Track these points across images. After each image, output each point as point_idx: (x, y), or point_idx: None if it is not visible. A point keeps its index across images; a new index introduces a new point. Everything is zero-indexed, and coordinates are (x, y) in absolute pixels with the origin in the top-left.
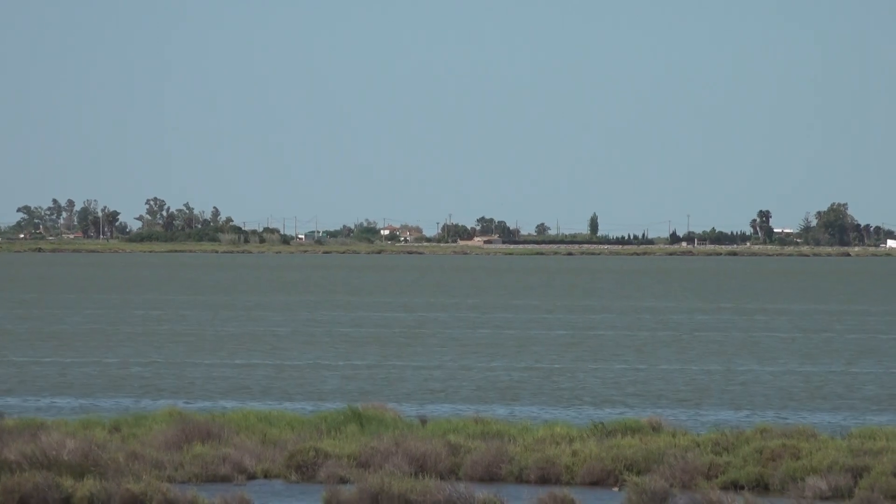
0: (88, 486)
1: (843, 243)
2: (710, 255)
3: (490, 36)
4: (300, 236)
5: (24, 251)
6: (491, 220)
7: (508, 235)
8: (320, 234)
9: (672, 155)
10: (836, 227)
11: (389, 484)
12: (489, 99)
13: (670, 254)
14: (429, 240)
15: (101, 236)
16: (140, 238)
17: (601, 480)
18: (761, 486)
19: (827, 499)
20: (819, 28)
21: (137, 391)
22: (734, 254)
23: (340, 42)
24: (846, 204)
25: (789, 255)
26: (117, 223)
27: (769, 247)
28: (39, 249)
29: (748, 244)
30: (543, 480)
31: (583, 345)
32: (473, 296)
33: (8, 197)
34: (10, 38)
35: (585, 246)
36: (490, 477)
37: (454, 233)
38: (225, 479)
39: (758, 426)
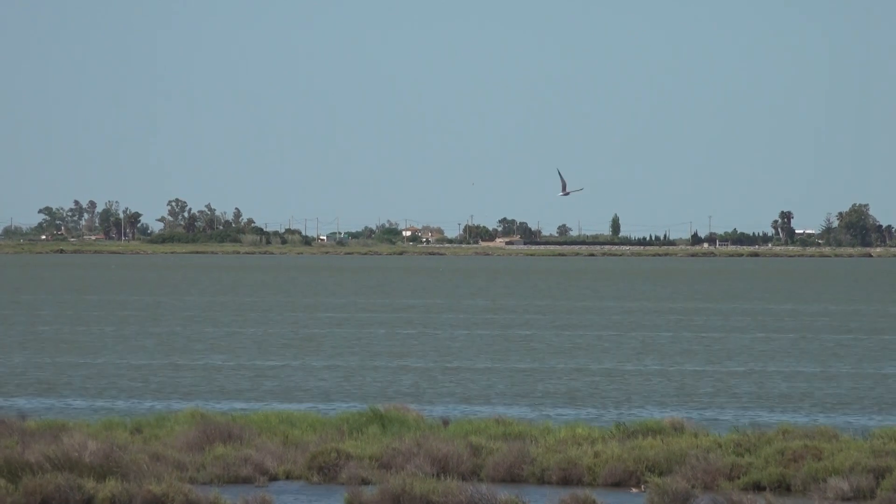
0: (110, 487)
1: (864, 244)
2: (731, 255)
3: (510, 37)
4: (322, 237)
5: (46, 252)
6: (512, 222)
7: (530, 236)
8: (342, 236)
9: (693, 156)
10: (857, 228)
11: (411, 485)
12: (510, 100)
13: (692, 255)
14: (450, 241)
15: (123, 238)
16: (162, 239)
17: (623, 481)
18: (783, 487)
19: (849, 500)
20: (840, 28)
21: (160, 393)
22: (756, 255)
23: (362, 44)
24: (868, 205)
25: (811, 256)
26: (139, 224)
27: (791, 248)
28: (61, 251)
29: (770, 245)
30: (565, 482)
31: (604, 346)
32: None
33: (29, 198)
34: (32, 41)
35: (607, 247)
36: (512, 478)
37: (475, 234)
38: (247, 481)
39: (780, 427)
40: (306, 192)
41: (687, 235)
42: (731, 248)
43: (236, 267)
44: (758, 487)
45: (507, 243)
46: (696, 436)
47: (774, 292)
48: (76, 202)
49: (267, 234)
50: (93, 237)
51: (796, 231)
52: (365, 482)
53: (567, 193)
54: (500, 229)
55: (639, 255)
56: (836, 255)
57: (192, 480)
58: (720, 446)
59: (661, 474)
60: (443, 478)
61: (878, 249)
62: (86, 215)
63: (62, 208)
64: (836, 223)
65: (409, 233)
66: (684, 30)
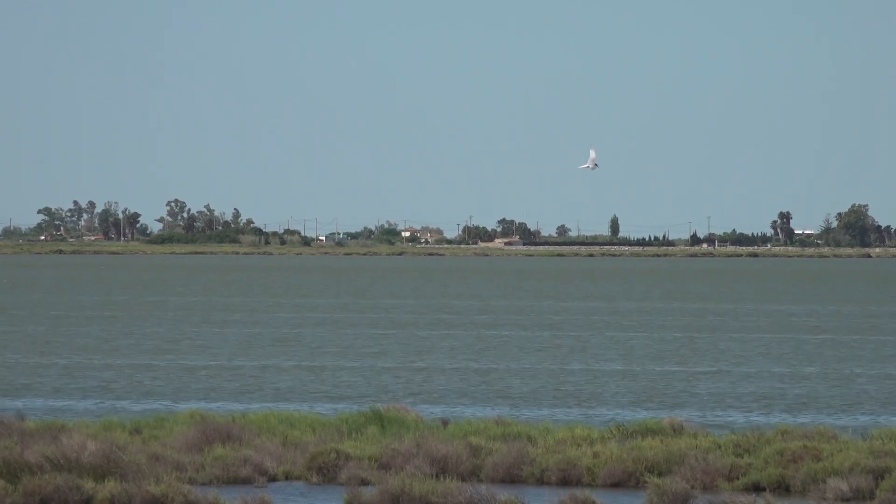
0: (109, 487)
1: (863, 244)
2: (730, 256)
3: (510, 36)
4: (321, 238)
5: (45, 253)
6: (512, 222)
7: (529, 237)
8: (341, 236)
9: (693, 156)
10: (856, 229)
11: (411, 485)
12: (510, 100)
13: (691, 255)
14: (449, 241)
15: (122, 238)
16: (161, 240)
17: (622, 482)
18: (783, 488)
19: (848, 500)
20: (840, 29)
21: (158, 393)
22: (755, 255)
23: (361, 44)
24: (867, 205)
25: (810, 256)
26: (138, 225)
27: (790, 248)
28: (60, 251)
29: (769, 246)
30: (564, 482)
31: (602, 347)
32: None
33: (29, 199)
34: (32, 41)
35: (606, 247)
36: (511, 479)
37: (475, 234)
38: (246, 481)
39: (779, 427)
40: (305, 192)
41: (686, 236)
42: (731, 248)
43: (233, 267)
44: (757, 488)
45: (506, 244)
46: (695, 436)
47: (771, 293)
48: (75, 202)
49: (266, 234)
50: (92, 238)
51: (795, 232)
52: (364, 483)
53: (595, 166)
54: (499, 230)
55: (638, 255)
56: (835, 256)
57: (192, 481)
58: (719, 447)
59: (660, 475)
60: (442, 478)
61: (878, 250)
62: (85, 216)
63: (61, 209)
64: (835, 224)
65: (408, 233)
66: (684, 30)
